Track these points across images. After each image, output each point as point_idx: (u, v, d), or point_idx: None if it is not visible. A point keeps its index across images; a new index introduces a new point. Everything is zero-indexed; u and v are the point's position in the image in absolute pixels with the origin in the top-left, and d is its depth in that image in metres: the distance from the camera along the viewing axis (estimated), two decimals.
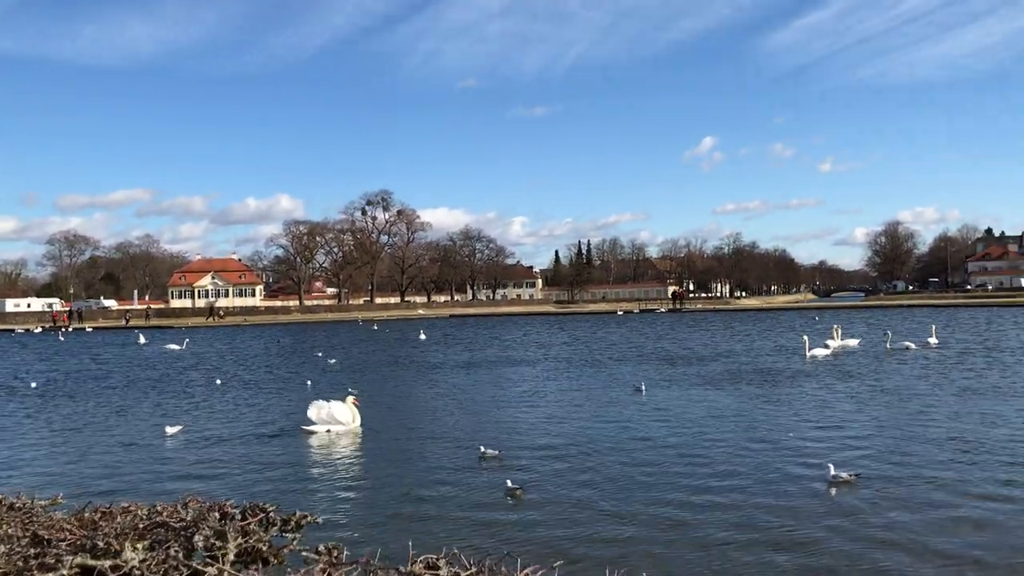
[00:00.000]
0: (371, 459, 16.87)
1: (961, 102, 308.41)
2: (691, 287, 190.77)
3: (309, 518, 3.71)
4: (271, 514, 3.68)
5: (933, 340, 43.00)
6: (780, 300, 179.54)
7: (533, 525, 11.24)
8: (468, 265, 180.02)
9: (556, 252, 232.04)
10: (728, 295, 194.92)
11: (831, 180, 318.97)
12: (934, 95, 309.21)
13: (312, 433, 19.70)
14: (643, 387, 26.15)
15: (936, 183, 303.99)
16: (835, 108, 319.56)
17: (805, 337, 40.29)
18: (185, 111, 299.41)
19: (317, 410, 20.34)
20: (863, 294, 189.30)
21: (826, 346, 41.13)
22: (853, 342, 42.97)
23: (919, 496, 12.08)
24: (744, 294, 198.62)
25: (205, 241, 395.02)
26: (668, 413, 21.56)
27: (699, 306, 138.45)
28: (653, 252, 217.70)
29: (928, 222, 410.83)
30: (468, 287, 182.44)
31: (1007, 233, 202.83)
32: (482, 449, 15.85)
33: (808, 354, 37.56)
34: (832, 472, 12.57)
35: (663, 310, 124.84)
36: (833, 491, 12.21)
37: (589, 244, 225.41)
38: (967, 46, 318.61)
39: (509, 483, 12.99)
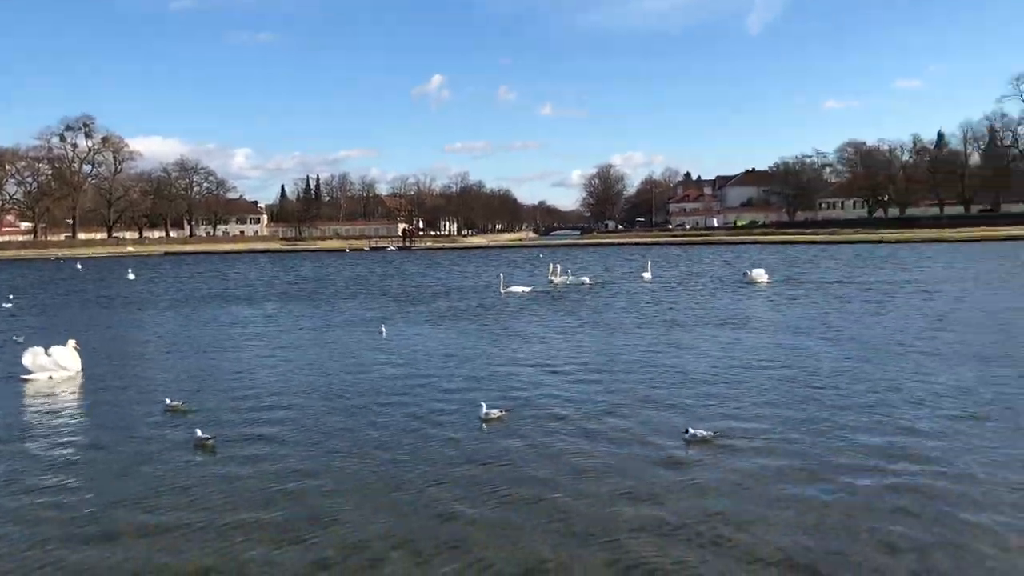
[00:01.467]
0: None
1: (667, 54, 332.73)
2: (421, 225, 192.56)
3: None
4: None
5: (648, 275, 46.92)
6: (504, 238, 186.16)
7: (224, 480, 10.68)
8: (185, 199, 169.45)
9: (283, 187, 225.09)
10: (456, 233, 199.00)
11: (552, 124, 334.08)
12: (646, 45, 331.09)
13: (30, 382, 17.83)
14: (383, 329, 25.24)
15: (644, 129, 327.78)
16: (555, 54, 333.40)
17: (500, 275, 42.03)
18: None
19: (33, 357, 18.36)
20: (579, 232, 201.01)
21: (550, 281, 43.85)
22: (582, 278, 45.59)
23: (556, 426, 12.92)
24: (471, 232, 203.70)
25: None
26: (396, 354, 21.62)
27: (428, 244, 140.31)
28: (384, 189, 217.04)
29: (636, 165, 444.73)
30: (185, 223, 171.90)
31: (703, 177, 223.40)
32: (168, 401, 14.82)
33: (503, 291, 39.21)
34: (484, 410, 13.11)
35: (393, 248, 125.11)
36: (484, 427, 12.75)
37: (318, 179, 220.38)
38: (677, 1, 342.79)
39: (199, 432, 12.31)
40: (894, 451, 11.15)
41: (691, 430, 11.70)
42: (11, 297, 40.58)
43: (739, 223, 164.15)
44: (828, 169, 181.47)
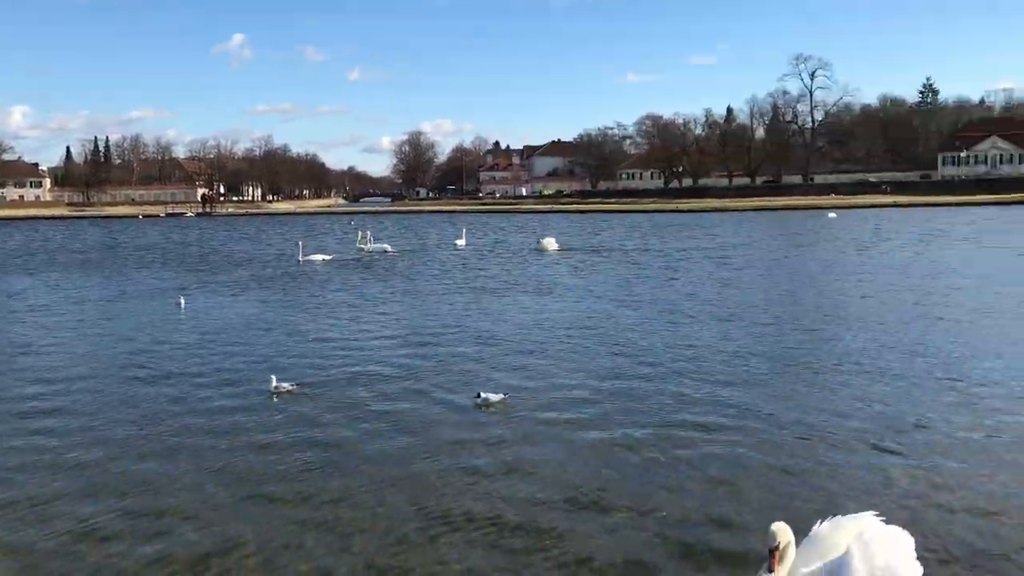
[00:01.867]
0: None
1: (472, 22, 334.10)
2: (222, 190, 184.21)
3: None
4: None
5: (462, 242, 47.70)
6: (313, 204, 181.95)
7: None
8: None
9: (68, 148, 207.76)
10: (261, 199, 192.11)
11: (361, 88, 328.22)
12: (457, 9, 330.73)
13: None
14: (182, 300, 24.04)
15: (454, 97, 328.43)
16: (365, 16, 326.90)
17: (300, 242, 41.56)
18: None
19: None
20: (390, 199, 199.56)
21: (360, 249, 43.65)
22: (382, 245, 45.38)
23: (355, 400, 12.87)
24: (277, 198, 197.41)
25: None
26: (194, 326, 20.95)
27: (230, 210, 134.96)
28: (181, 152, 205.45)
29: (446, 133, 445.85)
30: None
31: (512, 147, 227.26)
32: None
33: (302, 258, 38.77)
34: (274, 384, 13.00)
35: (192, 214, 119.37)
36: (275, 399, 12.69)
37: (108, 141, 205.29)
38: None
39: None
40: (682, 402, 12.11)
41: (483, 394, 12.09)
42: None
43: (545, 192, 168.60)
44: (628, 141, 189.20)
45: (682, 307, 21.95)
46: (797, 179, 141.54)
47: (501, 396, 12.13)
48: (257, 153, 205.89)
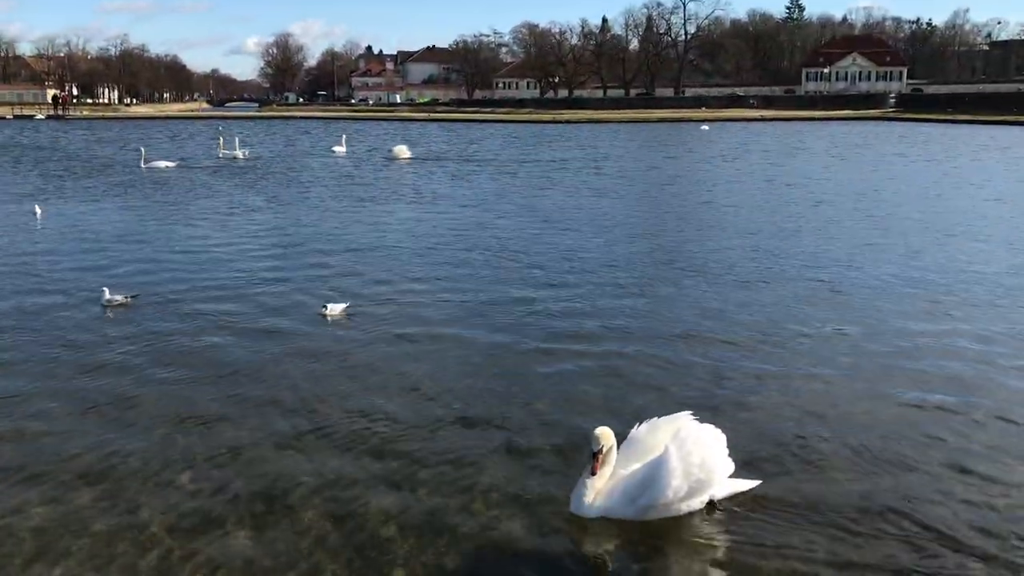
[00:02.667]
0: None
1: None
2: (75, 92, 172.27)
3: None
4: None
5: (341, 149, 46.47)
6: (174, 108, 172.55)
7: None
8: None
9: None
10: (118, 102, 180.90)
11: None
12: None
13: None
14: (38, 209, 22.27)
15: None
16: None
17: (143, 149, 39.76)
18: None
19: None
20: (257, 104, 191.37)
21: (230, 155, 42.05)
22: (230, 152, 43.96)
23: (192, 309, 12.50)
24: (135, 101, 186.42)
25: None
26: (49, 236, 19.82)
27: (85, 113, 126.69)
28: (27, 49, 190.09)
29: (316, 36, 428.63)
30: None
31: (385, 52, 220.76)
32: None
33: (144, 165, 37.21)
34: (107, 296, 12.41)
35: (42, 116, 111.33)
36: (110, 314, 12.11)
37: None
38: None
39: None
40: (547, 304, 12.42)
41: (329, 305, 11.77)
42: None
43: (421, 100, 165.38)
44: (504, 49, 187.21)
45: (555, 216, 22.22)
46: (669, 92, 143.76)
47: (344, 306, 11.84)
48: (113, 53, 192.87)
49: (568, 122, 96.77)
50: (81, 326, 11.47)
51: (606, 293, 13.30)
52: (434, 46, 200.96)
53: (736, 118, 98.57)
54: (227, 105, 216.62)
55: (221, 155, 43.34)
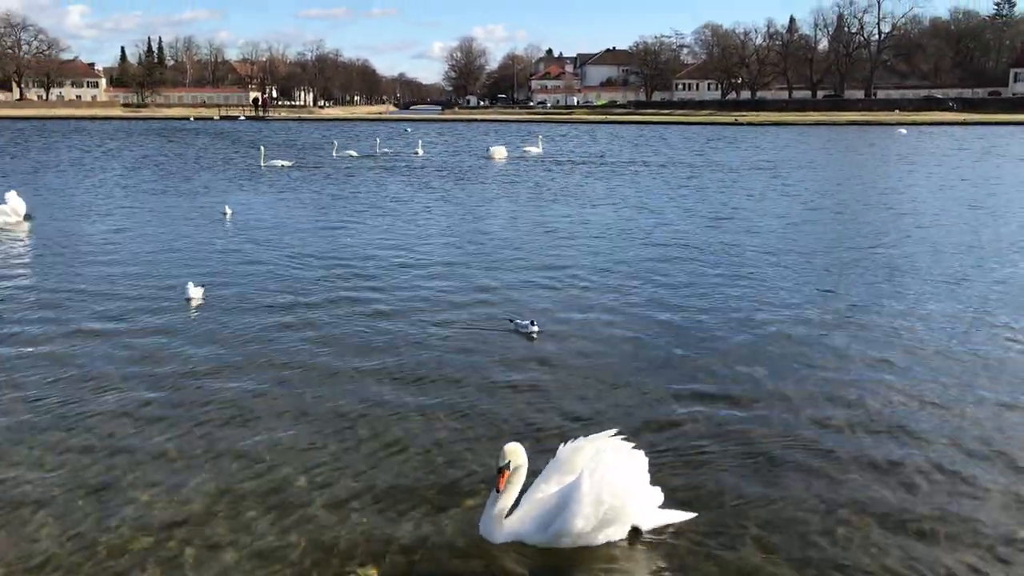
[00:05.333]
0: None
1: None
2: (275, 94, 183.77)
3: None
4: None
5: (537, 150, 48.50)
6: (363, 111, 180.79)
7: None
8: (13, 59, 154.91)
9: (122, 49, 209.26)
10: (312, 104, 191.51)
11: None
12: None
13: None
14: (228, 209, 22.90)
15: (506, 1, 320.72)
16: None
17: (262, 148, 41.64)
18: None
19: None
20: (440, 107, 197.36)
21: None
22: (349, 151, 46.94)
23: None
24: (328, 103, 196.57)
25: None
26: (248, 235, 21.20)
27: (283, 114, 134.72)
28: (233, 55, 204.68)
29: (498, 40, 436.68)
30: (14, 85, 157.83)
31: (565, 55, 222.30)
32: None
33: (264, 164, 38.88)
34: (190, 291, 12.50)
35: (244, 117, 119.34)
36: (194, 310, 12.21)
37: (160, 42, 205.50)
38: None
39: None
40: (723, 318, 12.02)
41: (518, 321, 11.11)
42: None
43: (598, 102, 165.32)
44: (685, 50, 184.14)
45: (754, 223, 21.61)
46: (859, 94, 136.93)
47: (534, 324, 10.89)
48: (309, 58, 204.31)
49: (751, 124, 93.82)
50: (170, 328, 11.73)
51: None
52: (613, 48, 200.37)
53: (932, 122, 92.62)
54: (412, 108, 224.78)
55: (419, 152, 47.54)
